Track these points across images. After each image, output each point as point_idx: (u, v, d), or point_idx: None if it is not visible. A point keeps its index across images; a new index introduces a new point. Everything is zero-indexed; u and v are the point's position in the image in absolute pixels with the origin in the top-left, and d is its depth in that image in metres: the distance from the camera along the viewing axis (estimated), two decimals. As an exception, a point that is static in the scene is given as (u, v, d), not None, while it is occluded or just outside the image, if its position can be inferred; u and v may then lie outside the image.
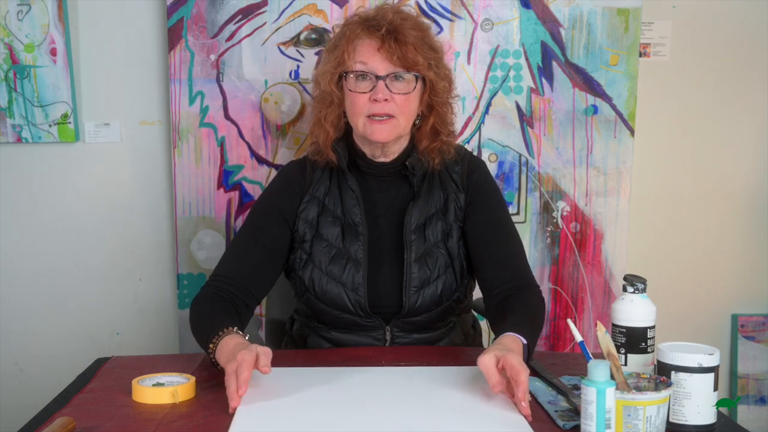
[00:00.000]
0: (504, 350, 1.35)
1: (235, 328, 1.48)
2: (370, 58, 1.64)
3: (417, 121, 1.72)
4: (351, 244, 1.69)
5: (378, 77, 1.63)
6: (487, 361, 1.32)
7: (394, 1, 2.37)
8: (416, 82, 1.66)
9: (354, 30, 1.67)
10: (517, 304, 1.60)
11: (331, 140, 1.72)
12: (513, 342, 1.43)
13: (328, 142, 1.72)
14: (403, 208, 1.73)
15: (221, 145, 2.42)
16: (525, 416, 1.27)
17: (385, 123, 1.65)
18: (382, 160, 1.74)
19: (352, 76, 1.66)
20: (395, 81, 1.64)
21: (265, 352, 1.36)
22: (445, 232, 1.72)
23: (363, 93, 1.65)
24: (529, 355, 1.46)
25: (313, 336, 1.76)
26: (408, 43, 1.63)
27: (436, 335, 1.74)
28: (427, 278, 1.68)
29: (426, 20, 1.76)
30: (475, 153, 2.42)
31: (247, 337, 1.45)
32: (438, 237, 1.71)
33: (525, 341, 1.45)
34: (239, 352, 1.35)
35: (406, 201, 1.74)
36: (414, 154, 1.73)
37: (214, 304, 1.62)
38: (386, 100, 1.63)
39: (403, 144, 1.74)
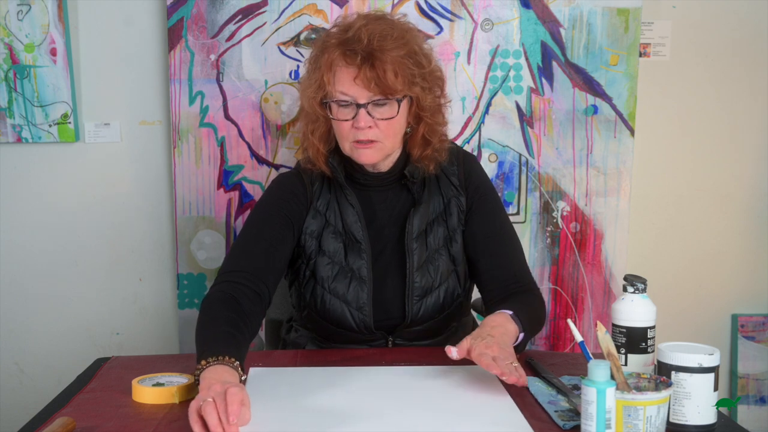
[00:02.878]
0: (479, 337, 1.42)
1: (237, 362, 1.33)
2: (349, 87, 1.59)
3: (408, 130, 1.69)
4: (354, 261, 1.67)
5: (359, 105, 1.59)
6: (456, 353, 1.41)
7: (394, 1, 2.37)
8: (398, 106, 1.61)
9: (332, 53, 1.60)
10: (515, 298, 1.63)
11: (322, 155, 1.69)
12: (497, 316, 1.51)
13: (319, 157, 1.69)
14: (404, 216, 1.71)
15: (221, 145, 2.41)
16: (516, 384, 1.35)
17: (370, 147, 1.61)
18: (377, 170, 1.71)
19: (334, 104, 1.62)
20: (377, 107, 1.60)
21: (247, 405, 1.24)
22: (447, 237, 1.71)
23: (346, 120, 1.61)
24: (522, 326, 1.52)
25: (310, 346, 1.75)
26: (386, 68, 1.57)
27: (438, 342, 1.72)
28: (429, 286, 1.67)
29: (412, 24, 1.68)
30: (475, 153, 2.43)
31: (243, 378, 1.34)
32: (440, 243, 1.70)
33: (511, 312, 1.52)
34: (229, 386, 1.22)
35: (407, 209, 1.72)
36: (410, 163, 1.70)
37: (221, 312, 1.47)
38: (369, 126, 1.60)
39: (395, 155, 1.71)
